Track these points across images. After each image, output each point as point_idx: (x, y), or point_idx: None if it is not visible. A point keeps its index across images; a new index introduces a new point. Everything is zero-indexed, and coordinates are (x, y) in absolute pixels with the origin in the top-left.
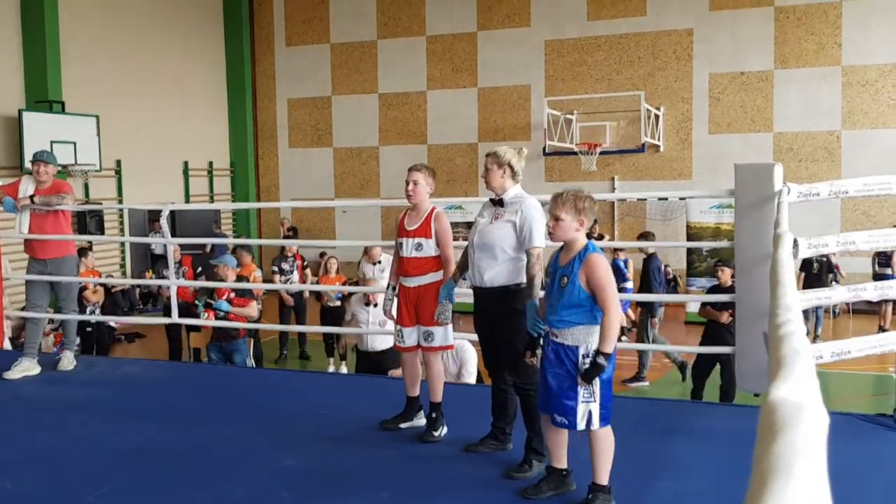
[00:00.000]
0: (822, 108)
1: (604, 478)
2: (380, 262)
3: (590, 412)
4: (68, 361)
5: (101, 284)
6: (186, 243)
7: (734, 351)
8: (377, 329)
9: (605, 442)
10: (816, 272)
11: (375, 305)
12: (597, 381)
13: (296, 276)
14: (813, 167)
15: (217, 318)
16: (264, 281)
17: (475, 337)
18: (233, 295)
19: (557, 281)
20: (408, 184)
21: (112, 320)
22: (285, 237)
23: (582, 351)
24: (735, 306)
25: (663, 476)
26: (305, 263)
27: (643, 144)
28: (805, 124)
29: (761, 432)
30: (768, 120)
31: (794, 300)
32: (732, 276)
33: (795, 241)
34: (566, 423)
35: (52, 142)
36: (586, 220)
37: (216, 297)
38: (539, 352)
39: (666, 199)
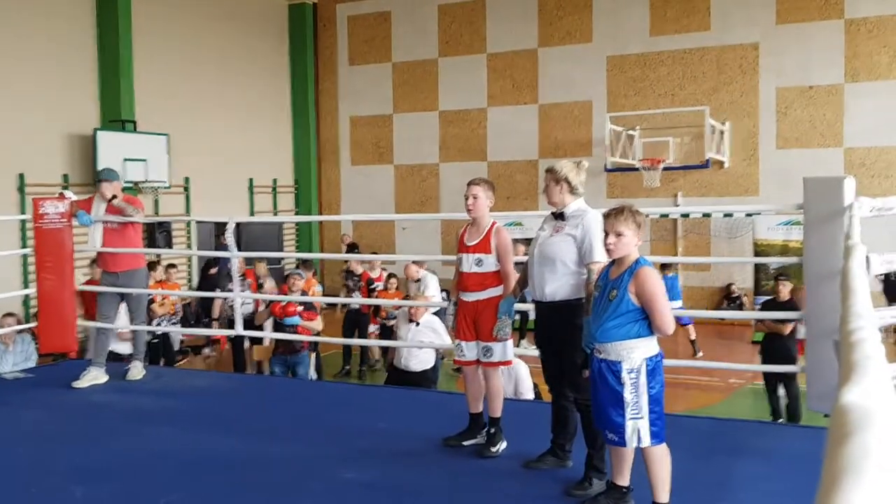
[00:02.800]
0: None
1: (663, 496)
2: (418, 280)
3: (639, 429)
4: (137, 371)
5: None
6: (253, 257)
7: (802, 369)
8: (416, 351)
9: (660, 460)
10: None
11: (418, 324)
12: (644, 397)
13: (357, 294)
14: (886, 183)
15: (286, 331)
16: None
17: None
18: (300, 308)
19: (606, 294)
20: (467, 198)
21: (179, 332)
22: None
23: (626, 366)
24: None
25: (727, 497)
26: (372, 284)
27: (707, 160)
28: (878, 139)
29: (832, 436)
30: (838, 135)
31: (867, 308)
32: (791, 292)
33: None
34: (616, 439)
35: (124, 159)
36: (643, 234)
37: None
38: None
39: (731, 215)
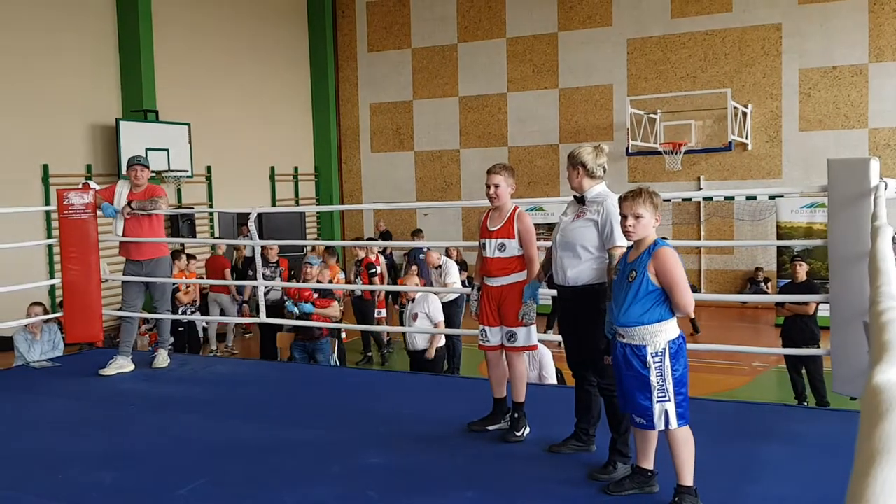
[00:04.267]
0: None
1: (688, 479)
2: (439, 266)
3: (666, 411)
4: (162, 359)
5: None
6: (276, 244)
7: (828, 352)
8: (414, 326)
9: (685, 442)
10: None
11: (413, 300)
12: (669, 380)
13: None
14: None
15: (300, 318)
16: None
17: (546, 337)
18: (315, 296)
19: (626, 277)
20: (489, 187)
21: (204, 320)
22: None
23: (650, 350)
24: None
25: (752, 480)
26: (372, 269)
27: (730, 143)
28: None
29: (865, 416)
30: (863, 116)
31: None
32: (808, 273)
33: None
34: (644, 423)
35: (146, 149)
36: (660, 216)
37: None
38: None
39: (754, 198)
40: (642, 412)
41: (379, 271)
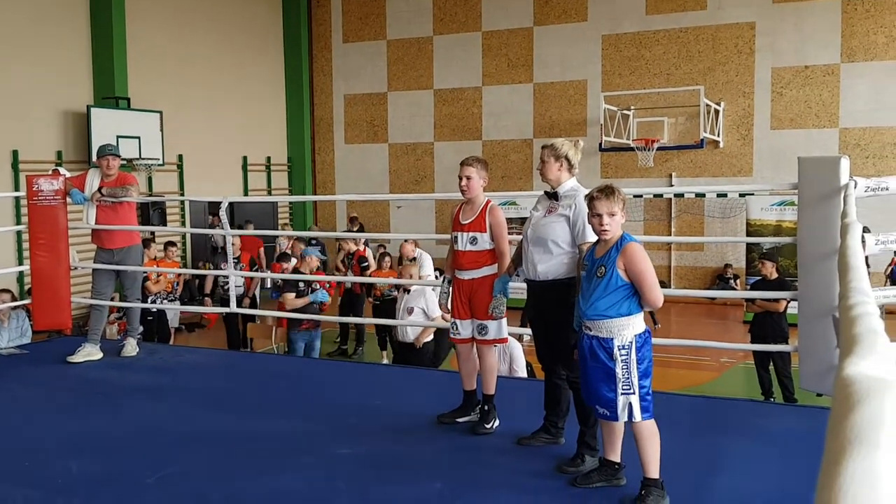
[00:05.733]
0: (892, 102)
1: (653, 471)
2: (414, 258)
3: (630, 404)
4: (131, 348)
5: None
6: (246, 235)
7: (795, 349)
8: (407, 321)
9: (651, 436)
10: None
11: (409, 291)
12: (634, 373)
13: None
14: (881, 164)
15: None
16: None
17: (518, 331)
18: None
19: (594, 272)
20: (461, 179)
21: (173, 309)
22: (355, 231)
23: (617, 343)
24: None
25: (718, 474)
26: (364, 262)
27: (702, 140)
28: (873, 119)
29: (836, 406)
30: (834, 115)
31: (867, 285)
32: (777, 269)
33: (866, 228)
34: (607, 414)
35: (117, 136)
36: (626, 212)
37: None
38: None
39: (725, 195)
40: (606, 403)
41: (370, 265)
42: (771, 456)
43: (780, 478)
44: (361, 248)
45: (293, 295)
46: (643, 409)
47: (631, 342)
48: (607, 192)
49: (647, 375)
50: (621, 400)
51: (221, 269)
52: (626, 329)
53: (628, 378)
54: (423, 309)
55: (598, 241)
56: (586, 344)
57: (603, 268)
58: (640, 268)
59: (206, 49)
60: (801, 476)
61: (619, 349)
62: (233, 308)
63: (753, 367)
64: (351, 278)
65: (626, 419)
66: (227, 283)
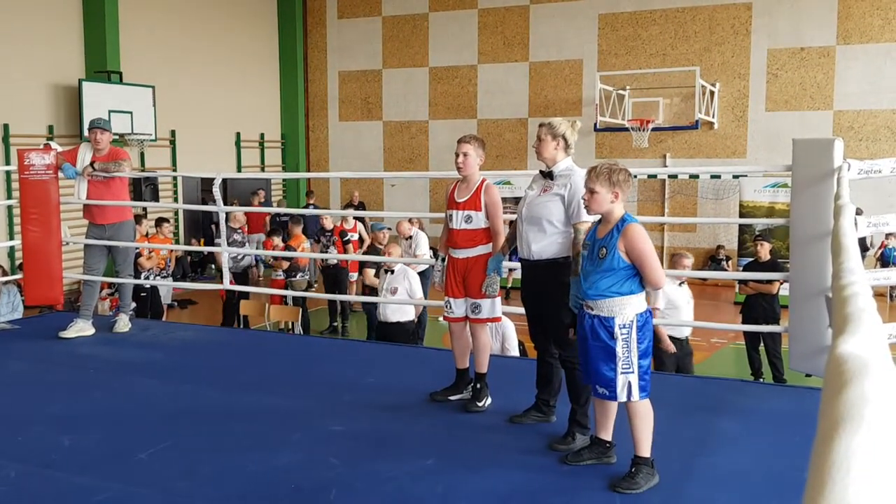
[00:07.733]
0: (887, 85)
1: (645, 450)
2: (410, 237)
3: (629, 383)
4: (123, 324)
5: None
6: (240, 211)
7: (786, 329)
8: (391, 299)
9: (646, 415)
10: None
11: (393, 271)
12: (635, 352)
13: (333, 249)
14: (874, 147)
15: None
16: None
17: (511, 310)
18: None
19: (596, 252)
20: (458, 156)
21: (166, 285)
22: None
23: (618, 321)
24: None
25: (708, 453)
26: (346, 236)
27: (697, 121)
28: (867, 102)
29: (828, 384)
30: (828, 97)
31: (859, 265)
32: (770, 252)
33: (859, 209)
34: (607, 394)
35: (109, 111)
36: (621, 192)
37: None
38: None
39: (718, 176)
40: (605, 383)
41: (353, 238)
42: (760, 435)
43: (768, 456)
44: (350, 225)
45: (374, 272)
46: (641, 389)
47: (632, 321)
48: (590, 169)
49: (647, 355)
50: (621, 379)
51: (236, 241)
52: (628, 308)
53: (628, 357)
54: (407, 290)
55: (600, 221)
56: (587, 323)
57: (604, 249)
58: (641, 249)
59: (200, 23)
60: (789, 455)
61: (621, 328)
62: (226, 284)
63: (744, 347)
64: (335, 255)
65: (624, 399)
66: (242, 256)
